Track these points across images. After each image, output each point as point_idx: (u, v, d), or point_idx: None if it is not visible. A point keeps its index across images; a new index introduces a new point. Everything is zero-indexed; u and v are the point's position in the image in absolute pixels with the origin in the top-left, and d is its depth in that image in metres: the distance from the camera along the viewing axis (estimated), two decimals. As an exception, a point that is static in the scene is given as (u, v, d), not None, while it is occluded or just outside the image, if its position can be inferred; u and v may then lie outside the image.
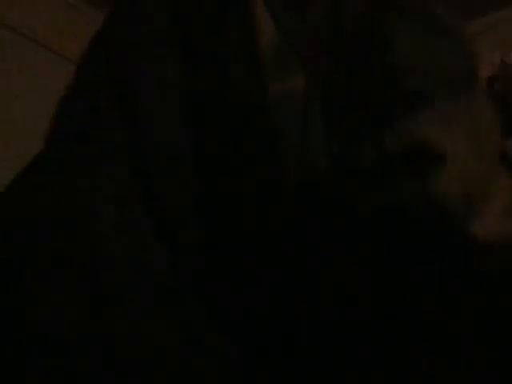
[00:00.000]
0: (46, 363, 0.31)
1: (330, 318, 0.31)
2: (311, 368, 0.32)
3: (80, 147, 0.39)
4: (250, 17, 0.32)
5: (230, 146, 0.33)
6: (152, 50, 0.39)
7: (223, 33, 0.34)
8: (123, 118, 0.37)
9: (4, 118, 1.75)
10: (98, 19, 2.14)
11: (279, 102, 0.31)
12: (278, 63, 0.32)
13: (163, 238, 0.32)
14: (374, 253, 0.31)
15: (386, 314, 0.31)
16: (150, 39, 0.40)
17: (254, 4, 0.33)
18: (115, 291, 0.32)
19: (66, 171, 0.39)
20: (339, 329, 0.31)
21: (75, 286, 0.33)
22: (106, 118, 0.39)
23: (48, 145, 0.42)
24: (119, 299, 0.32)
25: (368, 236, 0.30)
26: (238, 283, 0.32)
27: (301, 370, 0.32)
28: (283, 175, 0.31)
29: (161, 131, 0.35)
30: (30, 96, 1.85)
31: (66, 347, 0.31)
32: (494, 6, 2.05)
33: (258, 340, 0.33)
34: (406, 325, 0.31)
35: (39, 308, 0.33)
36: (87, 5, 2.11)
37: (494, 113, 0.33)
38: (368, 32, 0.31)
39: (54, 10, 2.00)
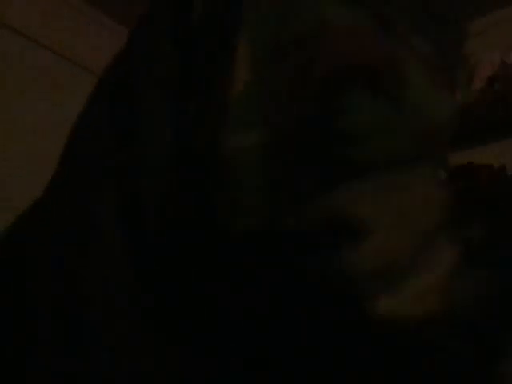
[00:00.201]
0: (45, 363, 0.32)
1: (330, 318, 0.31)
2: (311, 368, 0.32)
3: (81, 153, 0.40)
4: (232, 62, 0.32)
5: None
6: (144, 52, 0.39)
7: (206, 66, 0.34)
8: (114, 120, 0.37)
9: (4, 118, 1.75)
10: (98, 19, 2.16)
11: (236, 154, 0.31)
12: (242, 115, 0.32)
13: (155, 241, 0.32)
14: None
15: None
16: (143, 41, 0.40)
17: (239, 52, 0.32)
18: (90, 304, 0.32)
19: (69, 179, 0.40)
20: (339, 329, 0.31)
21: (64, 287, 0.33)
22: (103, 121, 0.39)
23: (61, 156, 0.42)
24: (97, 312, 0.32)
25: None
26: (238, 283, 0.33)
27: (301, 369, 0.33)
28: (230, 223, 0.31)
29: (149, 134, 0.35)
30: (30, 96, 1.85)
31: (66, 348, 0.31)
32: (494, 5, 2.05)
33: (258, 340, 0.33)
34: None
35: (39, 308, 0.33)
36: (87, 5, 2.11)
37: (443, 192, 0.32)
38: (327, 97, 0.31)
39: (54, 10, 2.01)
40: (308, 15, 0.32)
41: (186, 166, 0.32)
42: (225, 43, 0.33)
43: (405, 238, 0.29)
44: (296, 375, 0.32)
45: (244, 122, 0.31)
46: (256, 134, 0.31)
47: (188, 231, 0.32)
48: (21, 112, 1.81)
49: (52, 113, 1.89)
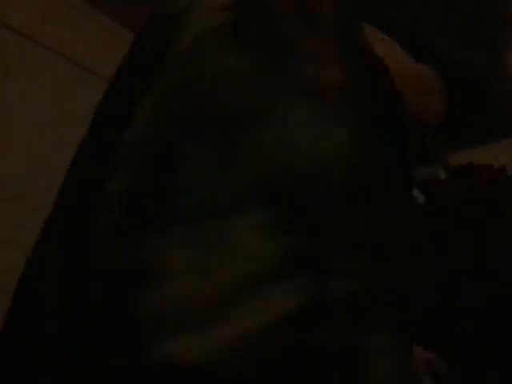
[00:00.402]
0: (49, 365, 0.32)
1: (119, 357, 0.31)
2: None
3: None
4: (134, 111, 0.34)
5: None
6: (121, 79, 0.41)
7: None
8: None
9: (4, 118, 1.76)
10: (98, 19, 2.15)
11: (107, 197, 0.32)
12: (123, 161, 0.33)
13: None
14: None
15: None
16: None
17: (142, 103, 0.34)
18: None
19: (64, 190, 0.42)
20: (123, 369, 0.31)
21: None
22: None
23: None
24: None
25: None
26: None
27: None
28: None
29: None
30: (30, 96, 1.85)
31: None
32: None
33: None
34: None
35: (44, 308, 0.33)
36: (87, 5, 2.11)
37: (274, 244, 0.29)
38: (162, 148, 0.32)
39: (54, 10, 2.01)
40: (204, 65, 0.34)
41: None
42: (141, 90, 0.35)
43: (204, 289, 0.28)
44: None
45: (121, 168, 0.32)
46: (125, 179, 0.32)
47: None
48: (21, 112, 1.81)
49: (52, 113, 1.89)
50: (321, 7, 0.39)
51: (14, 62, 1.83)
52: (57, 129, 1.88)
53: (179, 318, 0.28)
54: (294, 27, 0.35)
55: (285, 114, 0.31)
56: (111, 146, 0.35)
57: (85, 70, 2.06)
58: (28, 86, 1.85)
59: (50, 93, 1.91)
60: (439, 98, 0.50)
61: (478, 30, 0.48)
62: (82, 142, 0.42)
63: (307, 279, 0.29)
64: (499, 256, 1.78)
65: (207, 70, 0.33)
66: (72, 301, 0.31)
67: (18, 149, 1.76)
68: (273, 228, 0.29)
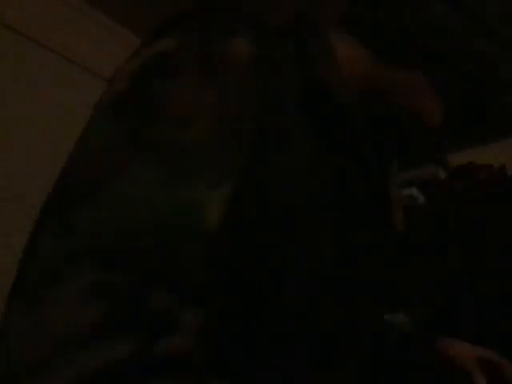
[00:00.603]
0: None
1: None
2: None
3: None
4: None
5: None
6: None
7: None
8: None
9: (4, 118, 1.76)
10: (98, 19, 2.14)
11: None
12: None
13: None
14: None
15: None
16: None
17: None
18: None
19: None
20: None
21: None
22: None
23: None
24: None
25: None
26: None
27: None
28: None
29: None
30: (30, 96, 1.85)
31: None
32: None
33: None
34: None
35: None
36: (87, 5, 2.11)
37: (90, 308, 0.30)
38: (35, 232, 0.35)
39: (54, 10, 2.01)
40: (83, 143, 0.38)
41: None
42: None
43: (24, 353, 0.30)
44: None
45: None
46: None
47: None
48: (21, 112, 1.81)
49: (52, 113, 1.89)
50: (235, 48, 0.40)
51: (14, 62, 1.83)
52: (57, 129, 1.88)
53: (8, 377, 0.30)
54: (184, 86, 0.37)
55: (128, 184, 0.34)
56: None
57: (85, 69, 2.06)
58: (28, 86, 1.85)
59: (49, 93, 1.91)
60: (429, 99, 0.49)
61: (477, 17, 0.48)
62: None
63: (122, 342, 0.30)
64: (499, 256, 1.78)
65: (83, 147, 0.37)
66: None
67: (17, 149, 1.76)
68: (92, 292, 0.31)
